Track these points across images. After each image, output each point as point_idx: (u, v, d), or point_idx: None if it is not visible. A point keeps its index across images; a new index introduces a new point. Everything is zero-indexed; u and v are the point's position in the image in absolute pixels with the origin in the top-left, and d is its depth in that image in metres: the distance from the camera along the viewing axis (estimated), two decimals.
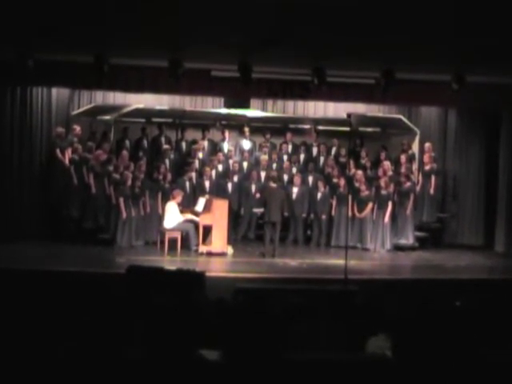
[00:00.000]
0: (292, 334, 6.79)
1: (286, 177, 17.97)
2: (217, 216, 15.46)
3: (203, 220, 15.56)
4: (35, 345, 5.68)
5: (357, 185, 16.89)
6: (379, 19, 10.25)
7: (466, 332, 6.23)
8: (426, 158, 17.54)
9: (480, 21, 10.23)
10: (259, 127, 19.52)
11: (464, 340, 5.99)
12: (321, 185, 17.29)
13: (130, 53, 13.48)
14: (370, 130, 19.58)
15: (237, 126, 19.64)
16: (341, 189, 17.03)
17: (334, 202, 17.23)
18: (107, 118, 18.73)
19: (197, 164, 17.80)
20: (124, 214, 15.64)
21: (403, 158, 17.65)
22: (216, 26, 10.96)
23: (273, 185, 15.97)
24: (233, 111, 17.91)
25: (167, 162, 17.63)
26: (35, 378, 5.32)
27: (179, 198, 15.93)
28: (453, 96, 14.88)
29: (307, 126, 19.59)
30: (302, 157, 18.78)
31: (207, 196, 16.56)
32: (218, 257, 15.16)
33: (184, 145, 18.96)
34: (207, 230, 15.54)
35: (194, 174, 17.47)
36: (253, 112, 17.89)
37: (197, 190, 17.23)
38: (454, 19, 10.17)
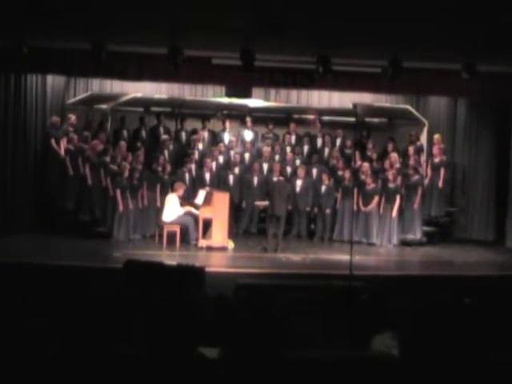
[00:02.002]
0: (295, 332, 6.79)
1: (289, 169, 17.95)
2: (217, 209, 15.46)
3: (203, 213, 15.55)
4: (27, 341, 5.68)
5: (362, 177, 16.88)
6: (386, 5, 10.22)
7: (475, 330, 6.22)
8: (435, 149, 17.51)
9: (491, 7, 10.19)
10: (261, 117, 19.51)
11: (473, 339, 5.98)
12: (325, 177, 17.28)
13: (129, 39, 13.46)
14: (376, 120, 19.55)
15: (238, 115, 19.60)
16: (346, 182, 17.02)
17: (339, 196, 17.22)
18: (104, 106, 18.71)
19: (197, 155, 17.80)
20: (121, 207, 15.63)
21: (411, 149, 17.63)
22: (217, 11, 10.92)
23: (279, 178, 15.99)
24: (234, 100, 17.89)
25: (166, 152, 17.63)
26: (28, 375, 5.32)
27: (181, 191, 15.94)
28: (463, 85, 14.87)
29: (311, 117, 19.52)
30: (305, 148, 18.77)
31: (207, 188, 16.58)
32: (219, 251, 15.16)
33: (183, 135, 18.96)
34: (207, 224, 15.55)
35: (193, 166, 17.48)
36: (255, 101, 17.89)
37: (197, 182, 17.24)
38: (464, 5, 10.13)
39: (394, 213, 16.70)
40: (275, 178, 16.46)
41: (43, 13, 11.29)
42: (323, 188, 17.28)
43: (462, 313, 6.91)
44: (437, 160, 17.49)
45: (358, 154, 17.36)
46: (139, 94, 17.64)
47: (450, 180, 18.04)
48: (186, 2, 10.53)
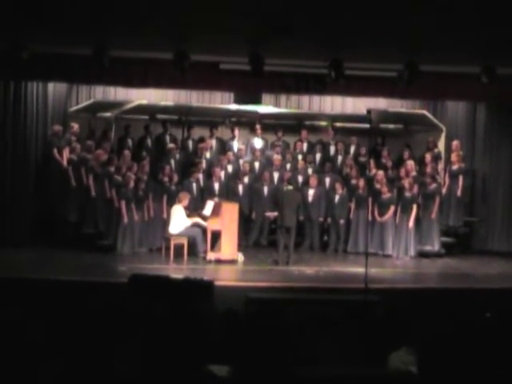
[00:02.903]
0: (308, 348, 6.77)
1: (300, 178, 17.93)
2: (226, 220, 15.46)
3: (211, 225, 15.55)
4: (28, 359, 5.68)
5: (377, 186, 16.85)
6: (402, 6, 10.22)
7: (497, 346, 6.19)
8: (453, 156, 17.47)
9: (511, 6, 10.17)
10: (272, 124, 19.48)
11: (495, 355, 5.95)
12: (338, 186, 17.24)
13: (133, 44, 13.48)
14: (391, 126, 19.53)
15: (247, 123, 19.61)
16: (360, 191, 17.00)
17: (353, 205, 17.19)
18: (108, 114, 18.75)
19: (204, 164, 17.78)
20: (126, 219, 15.63)
21: (428, 157, 17.58)
22: (225, 14, 10.94)
23: (288, 187, 15.95)
24: (243, 107, 17.90)
25: (172, 162, 17.61)
26: None
27: (186, 202, 15.92)
28: (482, 89, 14.81)
29: (324, 123, 19.54)
30: (318, 156, 18.74)
31: (216, 199, 16.55)
32: (228, 264, 15.16)
33: (190, 144, 18.93)
34: (216, 236, 15.55)
35: (201, 176, 17.47)
36: (265, 108, 17.88)
37: (204, 193, 17.23)
38: (484, 4, 10.11)
39: (411, 223, 16.65)
40: (285, 188, 16.43)
41: (43, 16, 11.33)
42: (336, 198, 17.24)
43: (483, 328, 6.88)
44: (455, 167, 17.44)
45: (372, 161, 17.31)
46: (144, 101, 17.66)
47: (469, 188, 17.98)
48: (192, 4, 10.55)
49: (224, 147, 18.84)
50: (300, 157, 18.60)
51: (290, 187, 15.98)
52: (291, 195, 15.70)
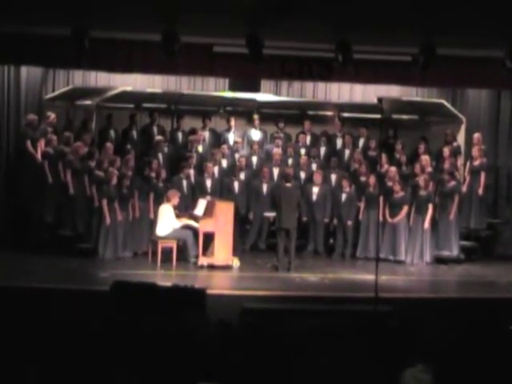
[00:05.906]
0: (310, 365, 6.78)
1: (303, 174, 17.93)
2: (220, 221, 15.46)
3: (204, 226, 15.55)
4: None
5: (389, 184, 16.86)
6: None
7: None
8: (474, 151, 17.46)
9: None
10: (271, 114, 19.53)
11: None
12: (346, 184, 17.24)
13: (116, 24, 13.47)
14: (405, 117, 19.57)
15: (244, 112, 19.65)
16: (370, 189, 17.00)
17: (362, 205, 17.19)
18: (88, 103, 18.74)
19: (196, 159, 17.77)
20: (108, 219, 15.63)
21: (446, 151, 17.58)
22: None
23: (287, 184, 15.92)
24: (239, 95, 17.91)
25: (160, 156, 17.62)
26: None
27: (175, 200, 15.93)
28: (507, 76, 14.82)
29: (330, 113, 19.55)
30: (322, 150, 18.76)
31: (209, 197, 16.57)
32: (222, 271, 15.18)
33: (180, 136, 18.96)
34: (209, 239, 15.54)
35: (192, 171, 17.46)
36: (264, 96, 17.90)
37: (196, 191, 17.24)
38: None
39: (427, 225, 16.66)
40: (283, 184, 16.29)
41: None
42: (343, 196, 17.23)
43: (506, 342, 6.90)
44: (476, 163, 17.44)
45: (384, 156, 17.32)
46: (129, 88, 17.67)
47: (492, 186, 17.99)
48: None
49: (218, 140, 18.88)
50: (303, 151, 18.63)
51: (289, 184, 15.87)
52: (289, 193, 15.64)
